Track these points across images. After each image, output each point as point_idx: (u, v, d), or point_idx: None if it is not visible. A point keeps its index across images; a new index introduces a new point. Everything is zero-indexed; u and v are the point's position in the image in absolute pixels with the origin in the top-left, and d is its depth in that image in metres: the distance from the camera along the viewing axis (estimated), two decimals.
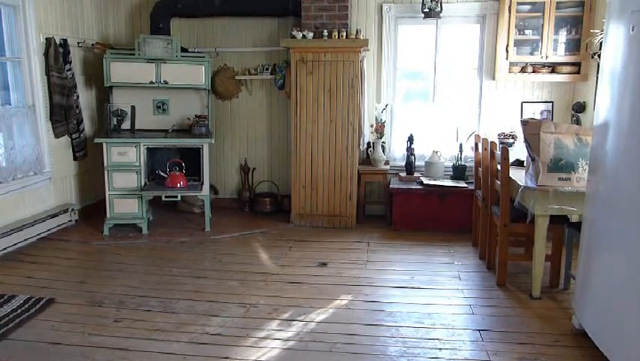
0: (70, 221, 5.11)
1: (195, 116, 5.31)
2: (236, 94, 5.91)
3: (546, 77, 5.16)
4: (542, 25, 4.98)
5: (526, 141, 3.50)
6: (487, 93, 5.48)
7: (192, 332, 3.10)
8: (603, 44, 2.92)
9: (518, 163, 4.24)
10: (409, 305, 3.50)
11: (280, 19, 5.64)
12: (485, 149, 4.25)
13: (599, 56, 3.48)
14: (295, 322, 3.24)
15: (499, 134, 5.24)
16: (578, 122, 5.10)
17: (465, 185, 5.17)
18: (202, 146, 5.09)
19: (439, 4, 5.14)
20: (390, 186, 5.30)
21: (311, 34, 5.08)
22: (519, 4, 5.02)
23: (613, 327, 2.61)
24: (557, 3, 4.92)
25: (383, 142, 5.51)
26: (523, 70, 5.18)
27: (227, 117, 5.97)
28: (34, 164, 4.71)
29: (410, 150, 5.41)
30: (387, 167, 5.52)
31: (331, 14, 5.19)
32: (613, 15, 2.77)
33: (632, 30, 2.49)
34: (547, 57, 5.03)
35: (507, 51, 5.10)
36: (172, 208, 5.83)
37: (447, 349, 2.93)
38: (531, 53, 5.12)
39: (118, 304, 3.47)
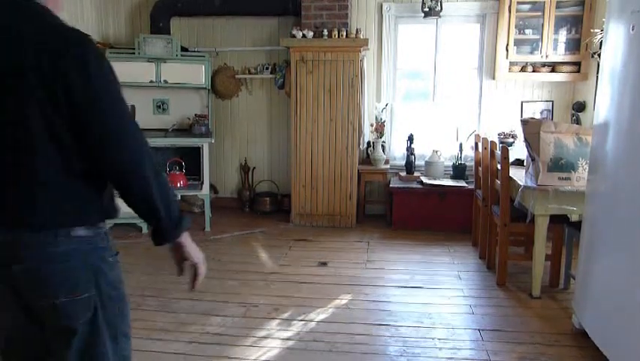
0: None
1: (195, 115, 5.31)
2: (236, 93, 5.90)
3: (546, 76, 5.15)
4: (542, 24, 4.98)
5: (526, 140, 3.50)
6: (487, 93, 5.48)
7: (192, 331, 3.10)
8: (603, 44, 2.92)
9: (518, 163, 4.23)
10: (408, 305, 3.50)
11: (280, 19, 5.63)
12: (485, 148, 4.24)
13: (599, 55, 3.47)
14: (295, 321, 3.24)
15: (499, 134, 5.23)
16: (578, 121, 5.10)
17: (465, 184, 5.17)
18: (202, 145, 5.09)
19: (439, 4, 5.13)
20: (390, 185, 5.29)
21: (311, 34, 5.08)
22: (519, 3, 5.01)
23: (613, 327, 2.61)
24: (557, 2, 4.91)
25: (383, 141, 5.50)
26: (523, 69, 5.18)
27: (227, 117, 5.97)
28: None
29: (410, 150, 5.40)
30: (387, 166, 5.51)
31: (331, 13, 5.19)
32: (613, 14, 2.77)
33: (632, 30, 2.49)
34: (547, 56, 5.02)
35: (507, 50, 5.09)
36: None
37: (447, 348, 2.93)
38: (531, 53, 5.12)
39: None
